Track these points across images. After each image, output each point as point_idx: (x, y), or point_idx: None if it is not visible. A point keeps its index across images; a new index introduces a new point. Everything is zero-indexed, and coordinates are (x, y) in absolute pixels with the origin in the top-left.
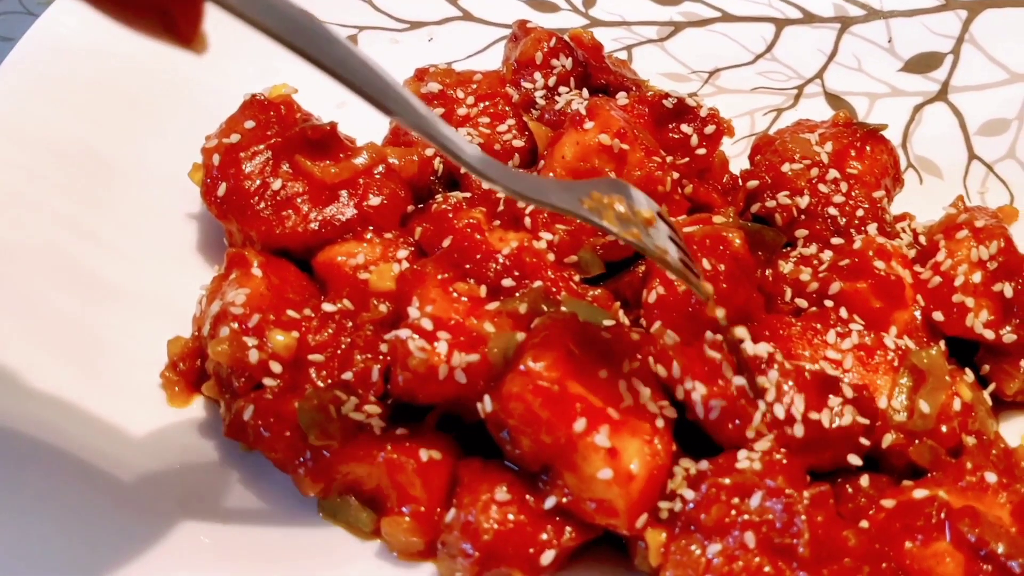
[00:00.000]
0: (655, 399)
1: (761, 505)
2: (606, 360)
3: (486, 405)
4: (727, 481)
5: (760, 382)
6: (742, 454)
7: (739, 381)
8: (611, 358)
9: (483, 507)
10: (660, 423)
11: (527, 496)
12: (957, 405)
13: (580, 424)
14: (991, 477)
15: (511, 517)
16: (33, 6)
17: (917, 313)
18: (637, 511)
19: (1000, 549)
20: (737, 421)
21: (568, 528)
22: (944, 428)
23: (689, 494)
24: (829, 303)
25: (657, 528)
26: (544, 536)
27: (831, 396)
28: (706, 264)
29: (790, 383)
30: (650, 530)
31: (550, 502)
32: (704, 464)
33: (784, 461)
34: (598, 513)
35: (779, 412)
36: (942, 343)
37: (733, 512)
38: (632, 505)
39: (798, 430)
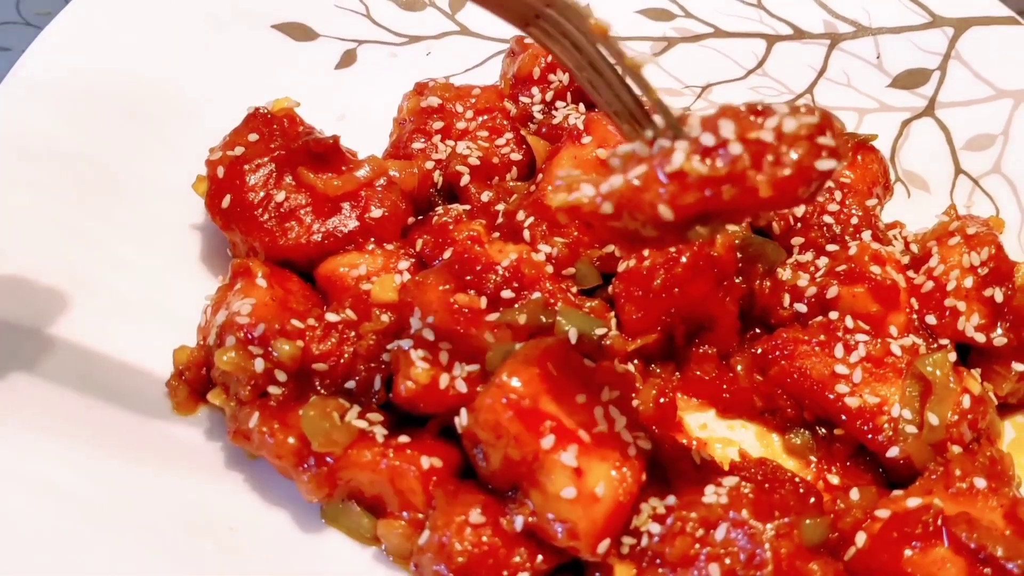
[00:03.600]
0: (631, 429)
1: (726, 537)
2: (586, 387)
3: (462, 419)
4: (693, 515)
5: (686, 131)
6: (709, 489)
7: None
8: (592, 386)
9: (457, 529)
10: (632, 451)
11: (500, 519)
12: (967, 403)
13: (548, 441)
14: (980, 482)
15: (485, 540)
16: (31, 16)
17: (913, 317)
18: (599, 535)
19: (999, 552)
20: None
21: (540, 552)
22: (955, 431)
23: (655, 528)
24: (834, 314)
25: (626, 562)
26: (517, 559)
27: (768, 116)
28: (672, 250)
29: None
30: (619, 565)
31: (519, 522)
32: (671, 499)
33: (751, 495)
34: (561, 534)
35: (708, 140)
36: (950, 344)
37: (697, 545)
38: (595, 528)
39: (735, 148)
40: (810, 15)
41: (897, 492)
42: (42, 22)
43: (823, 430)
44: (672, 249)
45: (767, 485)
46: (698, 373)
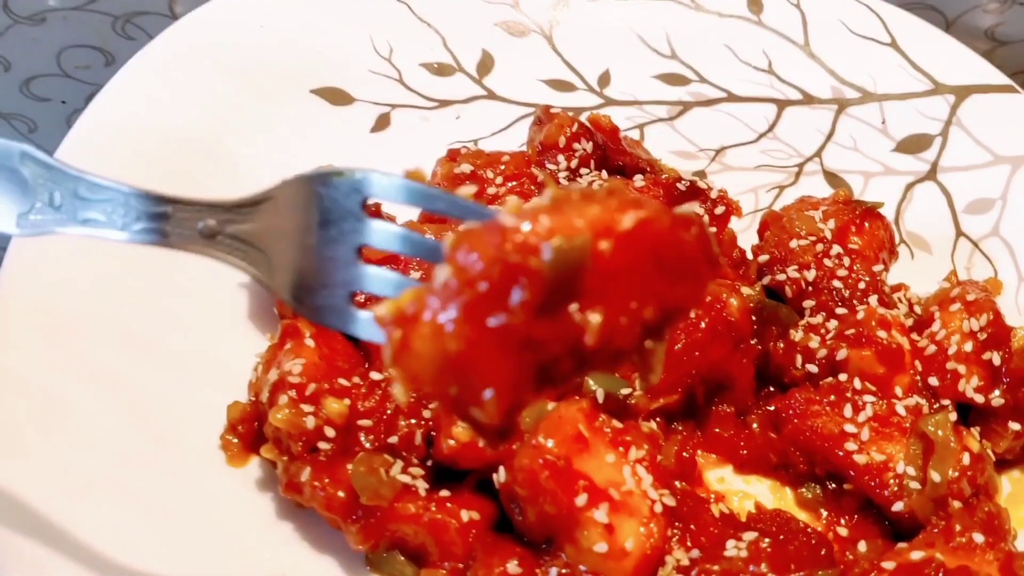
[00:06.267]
0: (656, 486)
1: None
2: (615, 447)
3: (500, 475)
4: (715, 567)
5: None
6: (730, 543)
7: None
8: (620, 446)
9: None
10: (658, 508)
11: (536, 570)
12: (967, 460)
13: (581, 499)
14: (979, 537)
15: None
16: (70, 69)
17: (917, 378)
18: None
19: None
20: None
21: None
22: (956, 487)
23: None
24: (843, 376)
25: None
26: None
27: None
28: (691, 313)
29: None
30: None
31: (553, 573)
32: (695, 552)
33: (768, 549)
34: None
35: None
36: (950, 404)
37: None
38: None
39: None
40: (819, 81)
41: (902, 545)
42: (82, 75)
43: (833, 485)
44: (691, 314)
45: (782, 537)
46: (717, 430)
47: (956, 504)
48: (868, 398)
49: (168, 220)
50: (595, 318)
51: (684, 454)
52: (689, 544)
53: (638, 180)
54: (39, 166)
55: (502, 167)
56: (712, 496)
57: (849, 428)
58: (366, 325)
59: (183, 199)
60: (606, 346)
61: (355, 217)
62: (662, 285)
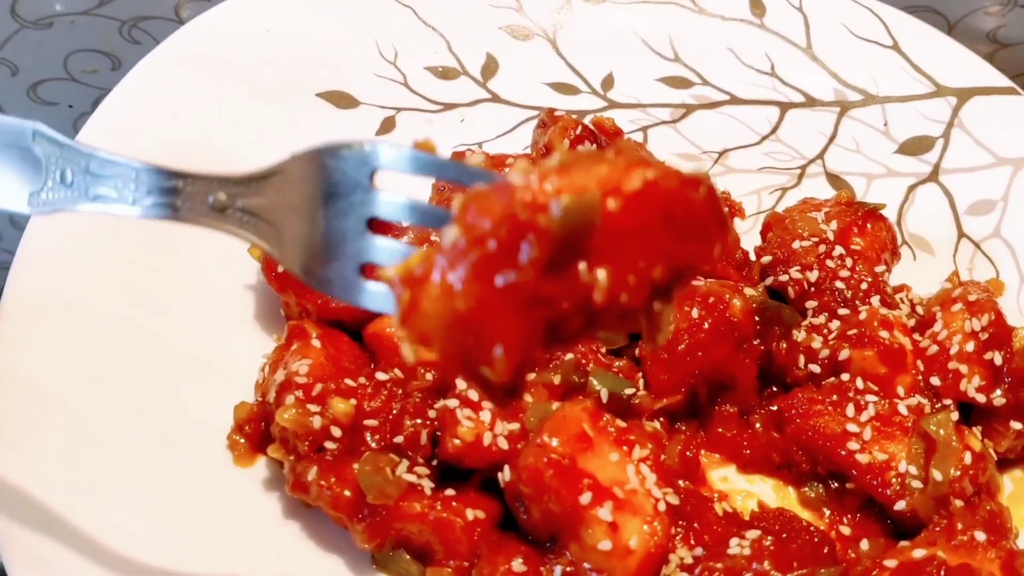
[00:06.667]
0: (660, 485)
1: None
2: (619, 446)
3: (505, 474)
4: (719, 565)
5: None
6: (734, 541)
7: None
8: (624, 445)
9: None
10: (662, 507)
11: (541, 568)
12: (968, 459)
13: (586, 497)
14: (980, 535)
15: None
16: (77, 73)
17: (919, 378)
18: None
19: None
20: None
21: None
22: (958, 486)
23: None
24: (845, 376)
25: None
26: None
27: None
28: (695, 313)
29: None
30: None
31: (558, 571)
32: (699, 551)
33: (771, 547)
34: None
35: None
36: (952, 404)
37: None
38: None
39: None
40: (821, 83)
41: (904, 543)
42: (89, 80)
43: (835, 484)
44: (695, 315)
45: (785, 535)
46: (720, 430)
47: (958, 503)
48: (870, 398)
49: (178, 194)
50: (603, 276)
51: (688, 453)
52: (693, 542)
53: None
54: (51, 144)
55: (507, 169)
56: (715, 495)
57: (851, 428)
58: (375, 296)
59: (193, 173)
60: (614, 305)
61: (364, 189)
62: (671, 244)
